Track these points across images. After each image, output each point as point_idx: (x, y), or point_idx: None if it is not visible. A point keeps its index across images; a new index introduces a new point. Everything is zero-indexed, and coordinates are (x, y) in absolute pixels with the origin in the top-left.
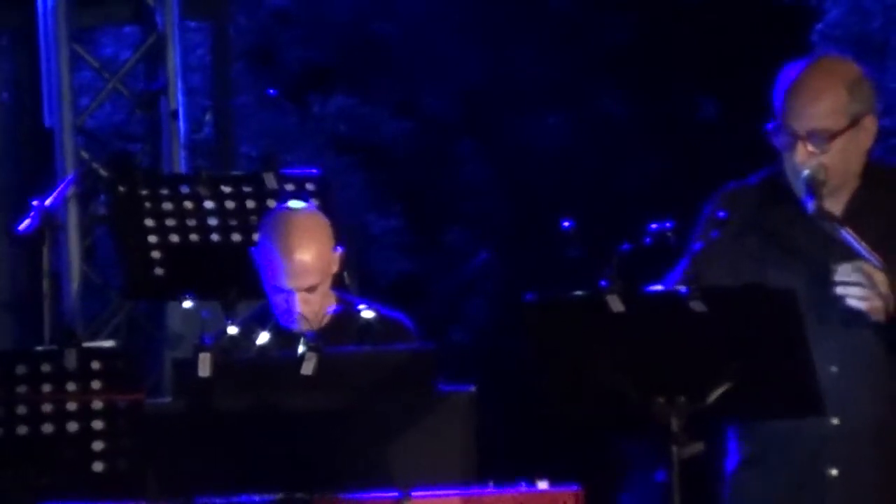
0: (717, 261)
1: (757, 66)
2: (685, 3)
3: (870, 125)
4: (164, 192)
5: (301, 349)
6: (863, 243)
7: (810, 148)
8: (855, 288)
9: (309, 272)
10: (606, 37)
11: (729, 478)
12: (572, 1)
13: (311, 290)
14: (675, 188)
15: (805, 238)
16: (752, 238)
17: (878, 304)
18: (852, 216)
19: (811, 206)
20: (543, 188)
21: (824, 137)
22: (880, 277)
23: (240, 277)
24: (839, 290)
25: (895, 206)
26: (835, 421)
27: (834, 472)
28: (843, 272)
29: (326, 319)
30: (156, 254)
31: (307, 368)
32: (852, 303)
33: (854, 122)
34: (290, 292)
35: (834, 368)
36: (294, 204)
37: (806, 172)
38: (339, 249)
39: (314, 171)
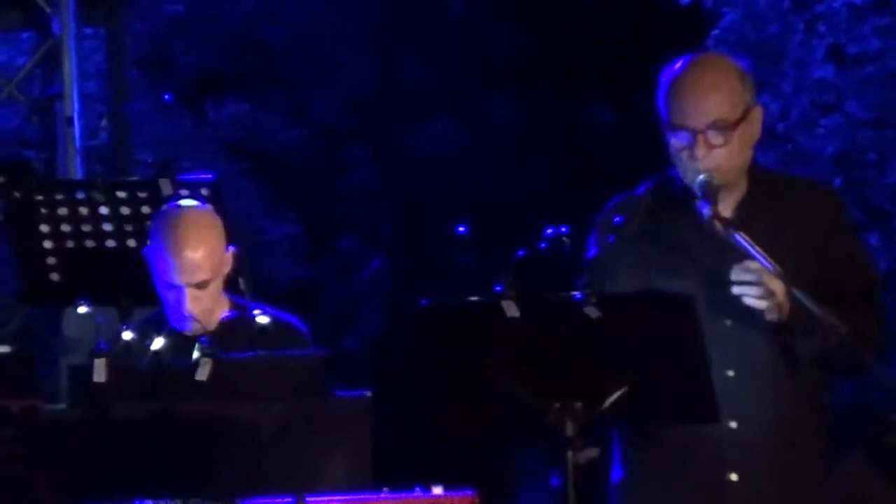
0: (613, 267)
1: (652, 71)
2: (578, 9)
3: (757, 117)
4: (60, 197)
5: (196, 355)
6: (757, 248)
7: (713, 141)
8: (752, 287)
9: (199, 268)
10: (498, 43)
11: (617, 486)
12: (463, 7)
13: (201, 286)
14: (570, 193)
15: (699, 244)
16: (647, 245)
17: (773, 302)
18: (741, 221)
19: (707, 211)
20: (436, 194)
21: (725, 128)
22: (773, 278)
23: (135, 283)
24: (736, 289)
25: (781, 212)
26: (732, 425)
27: (733, 476)
28: (738, 271)
29: (221, 324)
30: (51, 259)
31: (202, 374)
32: (749, 302)
33: (746, 113)
34: (180, 288)
35: (730, 373)
36: (185, 202)
37: (701, 178)
38: (232, 249)
39: (209, 176)
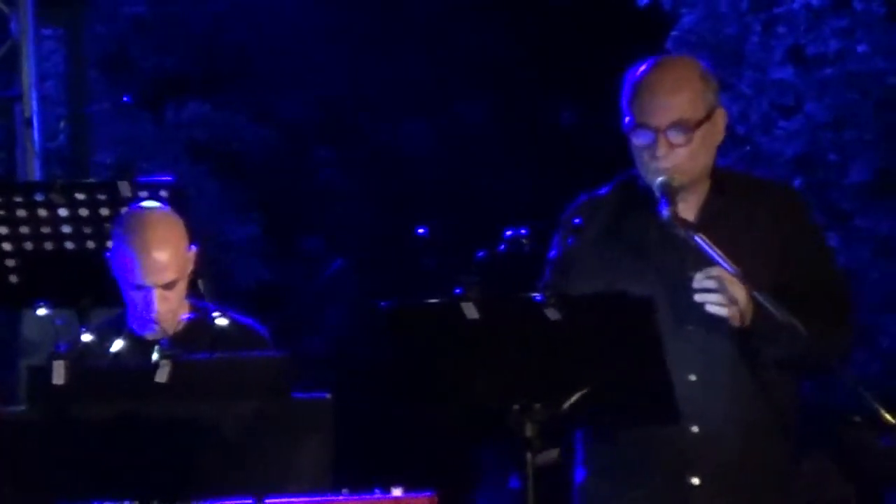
0: (574, 269)
1: (613, 72)
2: (542, 12)
3: (720, 120)
4: (18, 199)
5: (155, 357)
6: (717, 250)
7: (674, 140)
8: (714, 294)
9: (167, 268)
10: (465, 45)
11: (580, 488)
12: (431, 9)
13: (169, 286)
14: (534, 194)
15: (660, 246)
16: (609, 247)
17: (736, 309)
18: (704, 223)
19: (666, 213)
20: (402, 195)
21: (687, 127)
22: (736, 283)
23: (94, 285)
24: (698, 297)
25: (743, 213)
26: (694, 429)
27: (695, 480)
28: (700, 278)
29: (181, 326)
30: (10, 262)
31: (161, 376)
32: (712, 309)
33: (709, 115)
34: (148, 289)
35: (692, 377)
36: (146, 203)
37: (660, 179)
38: (194, 248)
39: (168, 178)
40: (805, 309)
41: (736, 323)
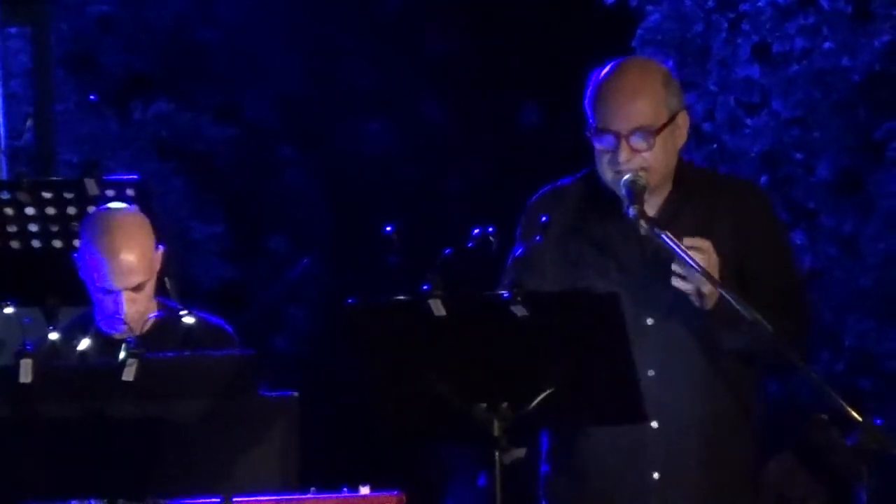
0: (540, 266)
1: (579, 70)
2: (506, 9)
3: (683, 122)
4: None
5: (122, 355)
6: (682, 247)
7: (636, 146)
8: (694, 268)
9: (134, 271)
10: (429, 43)
11: (543, 482)
12: (395, 8)
13: (137, 289)
14: (498, 193)
15: (622, 242)
16: (573, 243)
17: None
18: (666, 221)
19: (632, 211)
20: (366, 194)
21: (649, 133)
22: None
23: (61, 283)
24: (680, 269)
25: (707, 209)
26: (654, 424)
27: (655, 475)
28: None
29: (148, 325)
30: None
31: (128, 374)
32: (680, 284)
33: (671, 118)
34: (117, 293)
35: (652, 372)
36: (114, 205)
37: (626, 178)
38: (161, 248)
39: (135, 176)
40: (765, 306)
41: (708, 300)
